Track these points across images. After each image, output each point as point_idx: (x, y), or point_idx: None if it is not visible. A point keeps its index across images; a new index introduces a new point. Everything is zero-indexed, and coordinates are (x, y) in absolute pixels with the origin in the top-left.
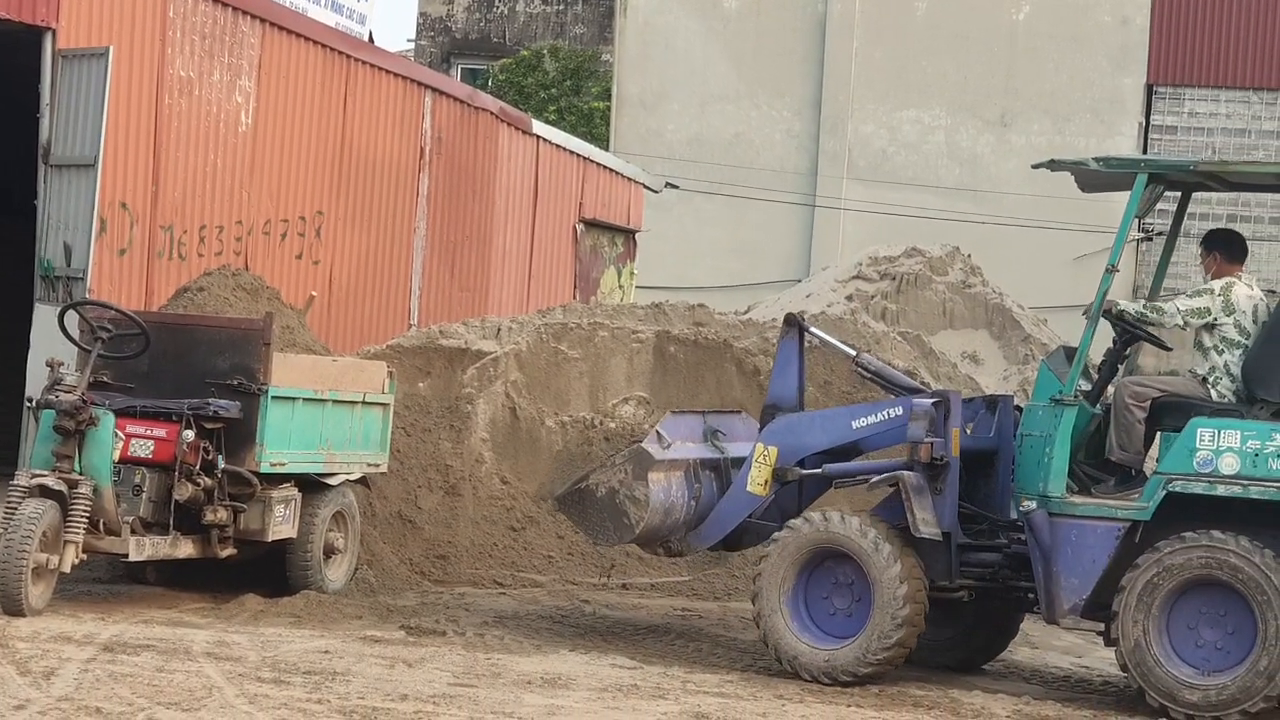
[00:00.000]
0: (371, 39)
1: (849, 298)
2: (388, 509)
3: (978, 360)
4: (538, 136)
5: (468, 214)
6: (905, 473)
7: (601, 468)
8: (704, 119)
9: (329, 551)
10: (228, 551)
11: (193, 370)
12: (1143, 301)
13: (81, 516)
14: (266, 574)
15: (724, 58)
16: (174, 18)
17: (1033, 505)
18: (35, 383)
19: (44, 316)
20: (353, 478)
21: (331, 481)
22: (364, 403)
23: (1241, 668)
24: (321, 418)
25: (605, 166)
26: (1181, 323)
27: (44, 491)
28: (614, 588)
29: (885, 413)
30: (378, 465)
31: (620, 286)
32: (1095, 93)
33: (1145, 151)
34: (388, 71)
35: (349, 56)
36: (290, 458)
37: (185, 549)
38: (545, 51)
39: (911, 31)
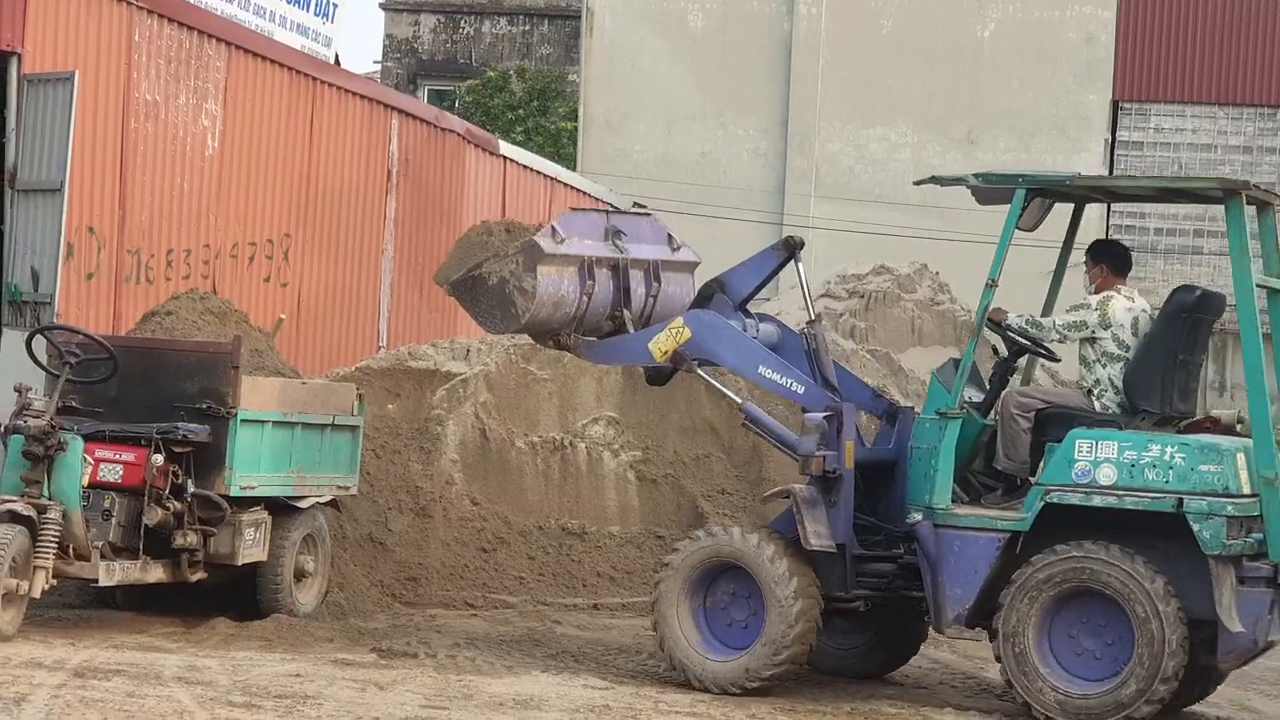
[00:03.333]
0: (338, 61)
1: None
2: (358, 531)
3: None
4: (505, 157)
5: (435, 235)
6: (797, 486)
7: (495, 257)
8: (671, 138)
9: (299, 574)
10: (198, 575)
11: (161, 394)
12: (1026, 315)
13: (51, 542)
14: (237, 598)
15: (690, 77)
16: (139, 41)
17: (919, 516)
18: (3, 408)
19: (11, 342)
20: (323, 500)
21: (301, 504)
22: (333, 425)
23: (1122, 674)
24: (291, 441)
25: (573, 187)
26: (1058, 337)
27: (13, 517)
28: (585, 608)
29: (788, 382)
30: (348, 488)
31: None
32: (1061, 109)
33: (1112, 168)
34: (354, 93)
35: (315, 79)
36: (260, 481)
37: (155, 573)
38: (512, 72)
39: (877, 49)
